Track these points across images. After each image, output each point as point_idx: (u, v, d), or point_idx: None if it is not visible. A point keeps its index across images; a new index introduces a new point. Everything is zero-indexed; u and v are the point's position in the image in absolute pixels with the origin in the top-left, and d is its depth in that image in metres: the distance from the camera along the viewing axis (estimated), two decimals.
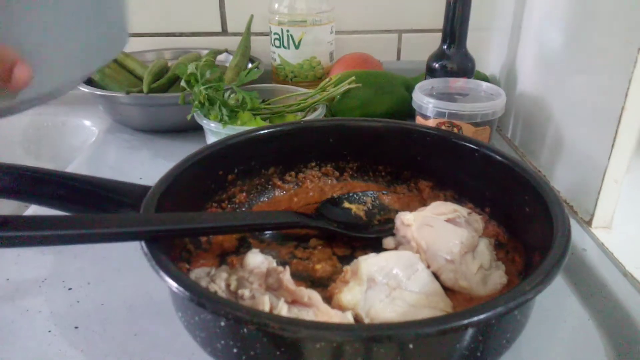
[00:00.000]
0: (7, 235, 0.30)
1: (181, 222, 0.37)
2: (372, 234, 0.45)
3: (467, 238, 0.40)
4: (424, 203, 0.49)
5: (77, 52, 0.29)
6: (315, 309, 0.33)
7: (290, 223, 0.44)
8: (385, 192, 0.50)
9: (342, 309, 0.34)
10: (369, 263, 0.36)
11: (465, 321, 0.27)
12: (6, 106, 0.27)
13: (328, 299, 0.36)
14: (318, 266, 0.41)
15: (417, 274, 0.37)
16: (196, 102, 0.59)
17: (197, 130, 0.66)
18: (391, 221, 0.45)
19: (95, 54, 0.31)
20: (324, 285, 0.39)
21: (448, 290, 0.38)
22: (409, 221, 0.41)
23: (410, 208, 0.48)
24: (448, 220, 0.41)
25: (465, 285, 0.38)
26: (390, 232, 0.44)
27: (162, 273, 0.30)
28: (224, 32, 0.89)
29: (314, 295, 0.33)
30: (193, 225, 0.38)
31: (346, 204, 0.48)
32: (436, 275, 0.39)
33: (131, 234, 0.33)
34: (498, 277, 0.38)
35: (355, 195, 0.49)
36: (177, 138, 0.71)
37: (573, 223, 0.37)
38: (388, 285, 0.35)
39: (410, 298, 0.35)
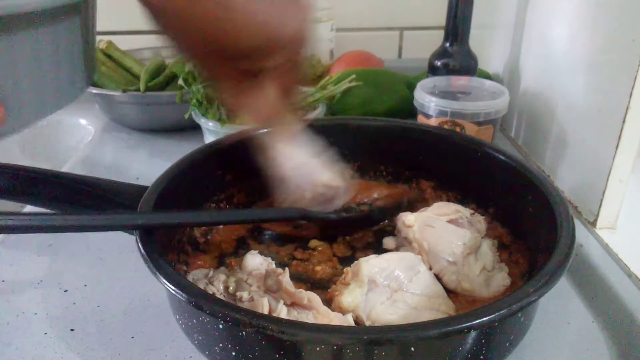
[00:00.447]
0: None
1: (178, 216, 0.36)
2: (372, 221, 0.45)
3: (469, 239, 0.39)
4: (426, 203, 0.49)
5: (45, 95, 0.33)
6: (315, 312, 0.32)
7: (292, 218, 0.42)
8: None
9: (342, 311, 0.34)
10: (370, 264, 0.35)
11: (468, 324, 0.26)
12: None
13: (328, 301, 0.36)
14: (318, 268, 0.41)
15: (419, 276, 0.36)
16: (194, 101, 0.59)
17: (195, 129, 0.65)
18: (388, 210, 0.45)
19: (60, 97, 0.35)
20: (324, 287, 0.38)
21: (450, 292, 0.38)
22: (410, 222, 0.41)
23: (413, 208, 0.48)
24: (450, 221, 0.41)
25: (467, 287, 0.37)
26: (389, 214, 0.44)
27: (159, 275, 0.30)
28: None
29: (313, 298, 0.33)
30: (191, 220, 0.37)
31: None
32: (438, 277, 0.38)
33: (127, 225, 0.33)
34: (501, 279, 0.38)
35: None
36: (174, 137, 0.70)
37: (577, 224, 0.36)
38: (389, 287, 0.35)
39: (411, 300, 0.35)
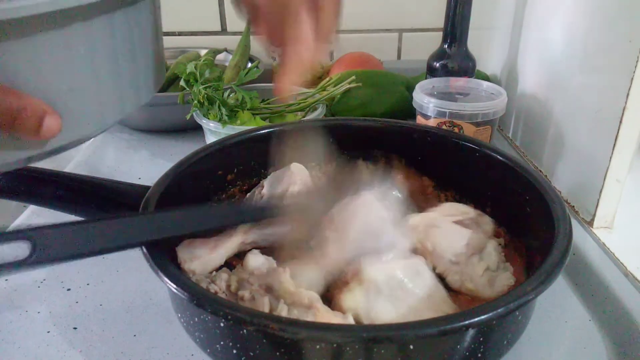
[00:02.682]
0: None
1: (178, 225, 0.36)
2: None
3: (473, 240, 0.39)
4: (422, 193, 0.49)
5: (108, 100, 0.29)
6: (315, 311, 0.33)
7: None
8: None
9: (343, 311, 0.34)
10: (374, 268, 0.35)
11: (466, 322, 0.27)
12: (33, 155, 0.27)
13: (329, 301, 0.36)
14: None
15: (421, 278, 0.36)
16: (195, 102, 0.59)
17: (196, 129, 0.66)
18: None
19: (126, 101, 0.31)
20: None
21: (454, 292, 0.38)
22: (416, 223, 0.41)
23: (411, 190, 0.48)
24: (456, 222, 0.41)
25: (471, 287, 0.37)
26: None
27: (161, 274, 0.30)
28: (224, 31, 0.89)
29: (313, 297, 0.33)
30: (191, 229, 0.37)
31: (359, 163, 0.48)
32: (442, 277, 0.38)
33: (129, 245, 0.33)
34: (505, 279, 0.37)
35: (370, 154, 0.49)
36: (176, 138, 0.71)
37: (574, 223, 0.36)
38: (392, 292, 0.35)
39: (413, 302, 0.34)
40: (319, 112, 0.62)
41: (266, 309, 0.32)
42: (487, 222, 0.42)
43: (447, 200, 0.49)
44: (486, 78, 0.74)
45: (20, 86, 0.24)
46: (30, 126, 0.25)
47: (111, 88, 0.29)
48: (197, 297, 0.28)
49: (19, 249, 0.27)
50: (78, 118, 0.27)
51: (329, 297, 0.36)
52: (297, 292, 0.33)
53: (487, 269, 0.38)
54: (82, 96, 0.27)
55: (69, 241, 0.29)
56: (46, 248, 0.28)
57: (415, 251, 0.40)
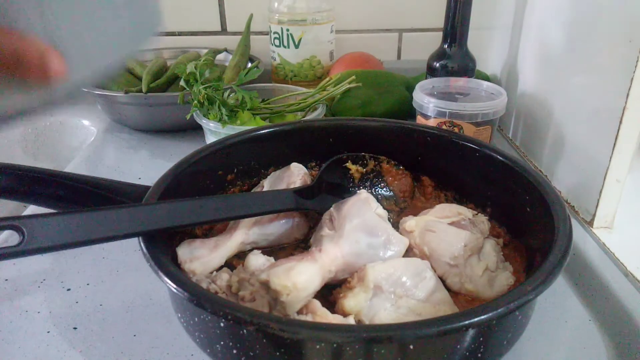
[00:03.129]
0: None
1: (172, 216, 0.35)
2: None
3: (470, 240, 0.39)
4: (422, 192, 0.49)
5: (110, 37, 0.29)
6: (313, 314, 0.33)
7: (284, 209, 0.42)
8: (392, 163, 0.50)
9: (345, 314, 0.34)
10: (376, 270, 0.35)
11: (466, 322, 0.27)
12: (49, 99, 0.27)
13: (332, 303, 0.36)
14: None
15: (425, 282, 0.36)
16: (195, 102, 0.59)
17: (196, 130, 0.66)
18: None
19: (130, 38, 0.30)
20: (327, 286, 0.38)
21: (455, 293, 0.38)
22: (410, 227, 0.41)
23: (403, 191, 0.49)
24: (452, 224, 0.41)
25: (471, 288, 0.37)
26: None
27: (161, 274, 0.30)
28: (224, 31, 0.89)
29: (313, 302, 0.33)
30: (185, 222, 0.36)
31: (349, 164, 0.49)
32: (442, 280, 0.38)
33: (119, 235, 0.32)
34: (505, 279, 0.37)
35: (359, 157, 0.50)
36: (176, 138, 0.71)
37: (574, 223, 0.36)
38: (394, 294, 0.34)
39: (416, 306, 0.34)
40: (319, 112, 0.62)
41: (266, 310, 0.32)
42: (483, 222, 0.42)
43: (447, 200, 0.49)
44: (486, 78, 0.74)
45: (22, 28, 0.24)
46: (35, 67, 0.24)
47: (111, 28, 0.29)
48: (197, 297, 0.28)
49: (9, 238, 0.27)
50: (81, 59, 0.27)
51: (332, 300, 0.36)
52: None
53: (487, 269, 0.38)
54: (83, 36, 0.27)
55: (59, 230, 0.29)
56: (36, 236, 0.28)
57: (412, 256, 0.40)
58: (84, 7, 0.27)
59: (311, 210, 0.44)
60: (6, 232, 0.45)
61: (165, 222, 0.34)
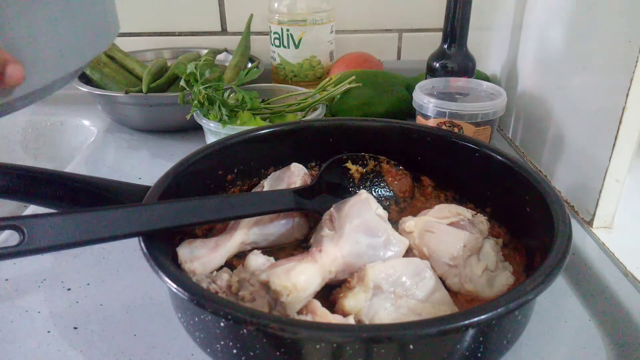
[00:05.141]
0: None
1: (171, 216, 0.35)
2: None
3: (469, 241, 0.39)
4: (422, 193, 0.49)
5: (68, 46, 0.29)
6: (313, 315, 0.33)
7: (285, 209, 0.42)
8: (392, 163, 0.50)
9: (344, 314, 0.34)
10: (376, 270, 0.35)
11: (466, 322, 0.27)
12: (1, 104, 0.27)
13: (332, 303, 0.36)
14: None
15: (425, 282, 0.36)
16: (195, 102, 0.59)
17: (196, 130, 0.66)
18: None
19: (86, 47, 0.31)
20: (327, 287, 0.38)
21: (454, 293, 0.38)
22: (410, 228, 0.41)
23: (403, 191, 0.49)
24: (451, 224, 0.41)
25: (471, 288, 0.37)
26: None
27: (161, 274, 0.30)
28: (224, 31, 0.89)
29: (313, 302, 0.33)
30: (185, 222, 0.36)
31: (348, 164, 0.49)
32: (442, 280, 0.38)
33: (120, 235, 0.32)
34: (504, 278, 0.37)
35: (359, 157, 0.50)
36: (176, 138, 0.71)
37: (574, 223, 0.36)
38: (394, 294, 0.35)
39: (416, 307, 0.34)
40: (319, 112, 0.62)
41: (266, 310, 0.32)
42: (482, 221, 0.42)
43: (447, 200, 0.49)
44: (486, 78, 0.74)
45: None
46: None
47: (69, 33, 0.29)
48: (197, 297, 0.28)
49: (9, 238, 0.27)
50: (40, 64, 0.28)
51: (332, 300, 0.36)
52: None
53: (486, 269, 0.38)
54: (41, 42, 0.27)
55: (59, 230, 0.29)
56: (36, 236, 0.28)
57: (412, 256, 0.40)
58: (42, 14, 0.27)
59: (311, 210, 0.44)
60: (6, 232, 0.45)
61: (165, 222, 0.34)
